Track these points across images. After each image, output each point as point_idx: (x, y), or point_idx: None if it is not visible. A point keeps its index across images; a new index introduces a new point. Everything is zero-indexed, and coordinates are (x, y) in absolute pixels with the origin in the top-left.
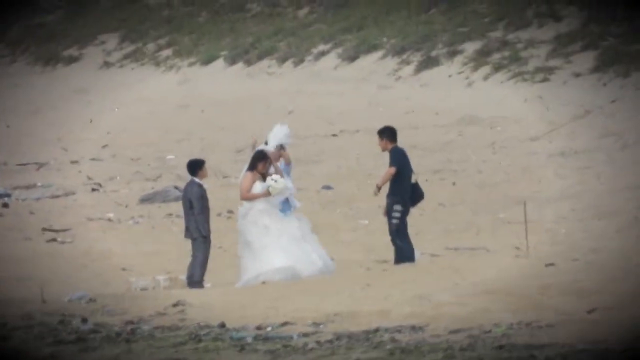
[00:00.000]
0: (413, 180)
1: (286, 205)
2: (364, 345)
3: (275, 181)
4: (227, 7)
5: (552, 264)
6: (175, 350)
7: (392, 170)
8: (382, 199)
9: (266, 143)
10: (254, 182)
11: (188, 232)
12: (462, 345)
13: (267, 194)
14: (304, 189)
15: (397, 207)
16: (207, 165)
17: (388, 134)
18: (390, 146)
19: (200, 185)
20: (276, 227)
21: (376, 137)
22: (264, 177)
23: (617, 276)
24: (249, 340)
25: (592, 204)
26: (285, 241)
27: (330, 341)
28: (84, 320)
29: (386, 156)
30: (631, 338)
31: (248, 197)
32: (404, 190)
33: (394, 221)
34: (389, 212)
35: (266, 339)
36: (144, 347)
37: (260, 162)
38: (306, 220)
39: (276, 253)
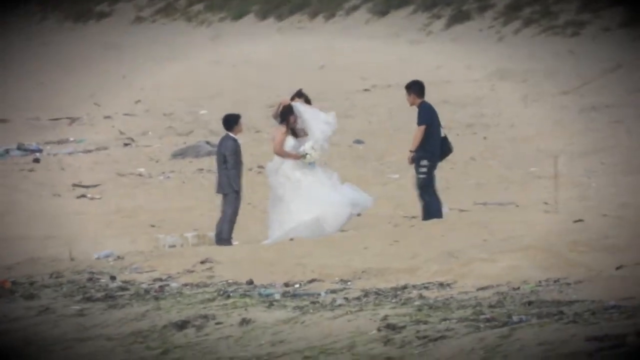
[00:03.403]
0: (442, 134)
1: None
2: (392, 302)
3: (315, 150)
4: None
5: (580, 220)
6: (204, 307)
7: (422, 128)
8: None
9: (294, 98)
10: (286, 135)
11: (220, 187)
12: (491, 302)
13: (300, 157)
14: (336, 144)
15: (424, 162)
16: (241, 120)
17: (415, 88)
18: (418, 101)
19: (235, 140)
20: (307, 180)
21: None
22: (294, 132)
23: None
24: (277, 296)
25: (623, 159)
26: (316, 192)
27: (358, 298)
28: (113, 278)
29: (416, 111)
30: None
31: (281, 153)
32: (432, 145)
33: (421, 176)
34: (416, 167)
35: (294, 295)
36: (172, 304)
37: (291, 116)
38: (336, 175)
39: (306, 206)
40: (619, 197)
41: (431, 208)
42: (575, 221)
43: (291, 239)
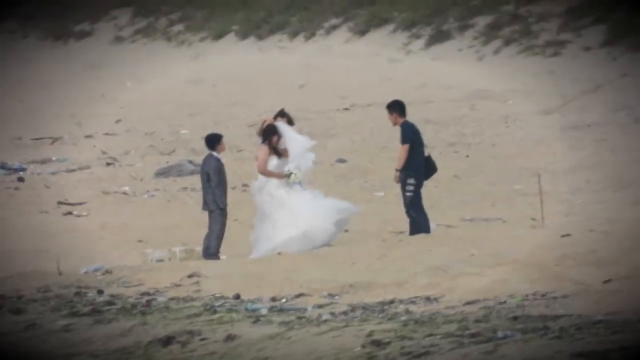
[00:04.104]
0: (425, 153)
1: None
2: (379, 317)
3: (299, 170)
4: None
5: (568, 235)
6: (190, 322)
7: (406, 147)
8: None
9: (276, 117)
10: (269, 154)
11: (205, 205)
12: (477, 317)
13: (284, 177)
14: (318, 162)
15: (411, 180)
16: (224, 139)
17: (397, 108)
18: (400, 120)
19: (218, 159)
20: (291, 198)
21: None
22: (276, 151)
23: (634, 247)
24: (264, 311)
25: (607, 176)
26: (301, 208)
27: (345, 313)
28: (100, 292)
29: (398, 129)
30: None
31: (265, 173)
32: (416, 164)
33: (409, 194)
34: (402, 186)
35: (281, 310)
36: (158, 319)
37: (274, 136)
38: (318, 191)
39: (293, 221)
40: (604, 213)
41: (419, 224)
42: (563, 236)
43: (279, 253)
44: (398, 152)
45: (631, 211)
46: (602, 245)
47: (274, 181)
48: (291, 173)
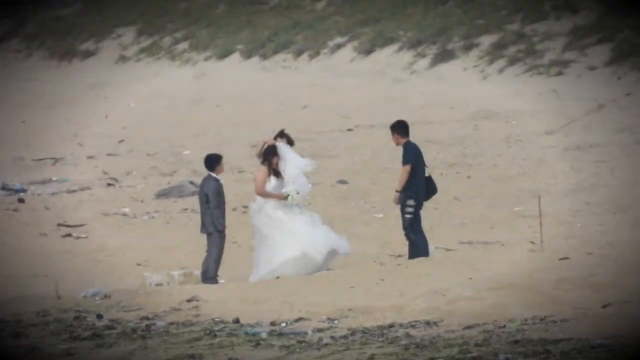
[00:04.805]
0: (426, 174)
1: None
2: (379, 341)
3: (298, 193)
4: None
5: (566, 258)
6: (191, 346)
7: (407, 168)
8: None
9: (276, 138)
10: (268, 176)
11: (204, 227)
12: (477, 341)
13: (282, 198)
14: (319, 183)
15: (410, 201)
16: (223, 160)
17: (399, 128)
18: (402, 141)
19: (217, 180)
20: (290, 219)
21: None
22: (276, 172)
23: (632, 270)
24: (264, 335)
25: (607, 198)
26: (298, 230)
27: (345, 337)
28: (99, 317)
29: (401, 150)
30: None
31: (263, 194)
32: (417, 185)
33: (407, 216)
34: (402, 207)
35: (281, 334)
36: (159, 343)
37: (274, 157)
38: (317, 216)
39: (292, 243)
40: (604, 235)
41: (418, 247)
42: (561, 259)
43: (277, 277)
44: (399, 173)
45: (630, 234)
46: (601, 269)
47: (272, 202)
48: (288, 195)
